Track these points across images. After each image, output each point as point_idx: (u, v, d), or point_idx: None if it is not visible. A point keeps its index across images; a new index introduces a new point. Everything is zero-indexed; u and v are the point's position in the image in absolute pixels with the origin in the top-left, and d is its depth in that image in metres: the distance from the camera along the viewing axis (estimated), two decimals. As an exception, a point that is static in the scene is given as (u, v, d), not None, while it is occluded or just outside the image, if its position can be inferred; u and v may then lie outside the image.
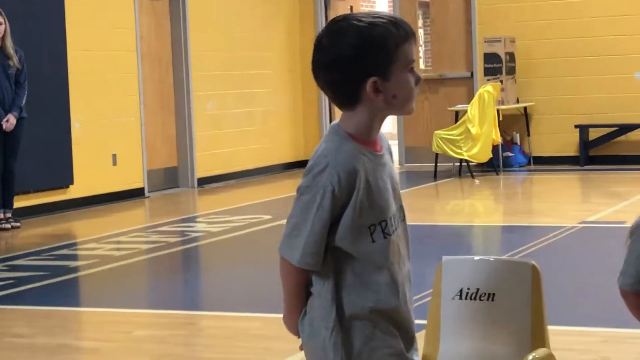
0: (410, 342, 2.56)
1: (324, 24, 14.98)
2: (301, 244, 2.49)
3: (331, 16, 15.25)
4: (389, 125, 18.17)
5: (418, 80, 2.54)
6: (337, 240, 2.45)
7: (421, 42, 15.42)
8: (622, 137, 13.70)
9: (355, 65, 2.49)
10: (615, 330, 5.34)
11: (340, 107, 2.54)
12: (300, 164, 15.16)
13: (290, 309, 2.62)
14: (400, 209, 2.59)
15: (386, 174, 2.55)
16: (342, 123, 2.54)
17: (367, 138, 2.54)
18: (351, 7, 16.01)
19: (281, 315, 5.02)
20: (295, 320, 2.59)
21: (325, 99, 15.21)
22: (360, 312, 2.47)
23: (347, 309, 2.47)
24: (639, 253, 2.23)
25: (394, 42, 2.50)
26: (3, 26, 9.84)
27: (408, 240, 2.60)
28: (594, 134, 13.79)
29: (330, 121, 15.20)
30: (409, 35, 2.52)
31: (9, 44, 9.88)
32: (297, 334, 2.59)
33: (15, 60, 9.94)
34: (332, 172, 2.45)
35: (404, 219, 2.60)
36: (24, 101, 10.03)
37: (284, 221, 8.41)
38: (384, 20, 2.50)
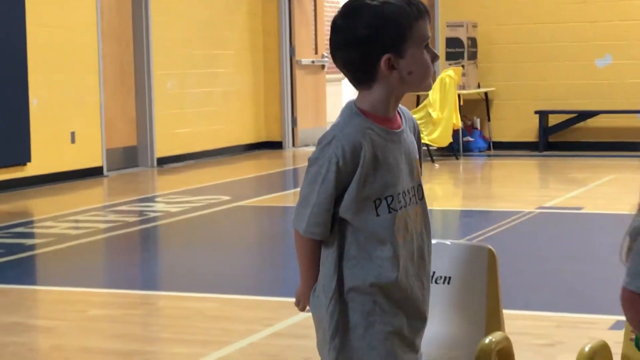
0: (416, 318, 2.60)
1: (286, 5, 15.11)
2: (307, 214, 2.52)
3: (296, 5, 15.27)
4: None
5: (435, 57, 2.61)
6: (342, 211, 2.49)
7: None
8: (581, 124, 13.83)
9: (370, 44, 2.54)
10: (569, 315, 5.40)
11: (358, 86, 2.58)
12: (261, 146, 15.19)
13: (303, 280, 2.64)
14: (419, 187, 2.62)
15: (401, 151, 2.58)
16: (357, 101, 2.58)
17: (383, 114, 2.58)
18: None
19: (238, 297, 4.95)
20: (307, 292, 2.61)
21: (287, 81, 15.23)
22: (361, 285, 2.50)
23: (349, 281, 2.51)
24: None
25: (407, 19, 2.54)
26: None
27: (425, 218, 2.63)
28: (553, 120, 13.91)
29: (292, 105, 15.27)
30: (422, 12, 2.56)
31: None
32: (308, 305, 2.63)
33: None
34: (337, 145, 2.49)
35: (422, 198, 2.62)
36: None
37: (243, 202, 8.47)
38: (402, 5, 2.54)
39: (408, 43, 2.54)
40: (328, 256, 2.53)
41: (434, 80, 13.13)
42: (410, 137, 2.65)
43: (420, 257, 2.59)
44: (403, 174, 2.57)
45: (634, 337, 2.50)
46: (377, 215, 2.51)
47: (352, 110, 2.57)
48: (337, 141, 2.50)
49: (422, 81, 2.60)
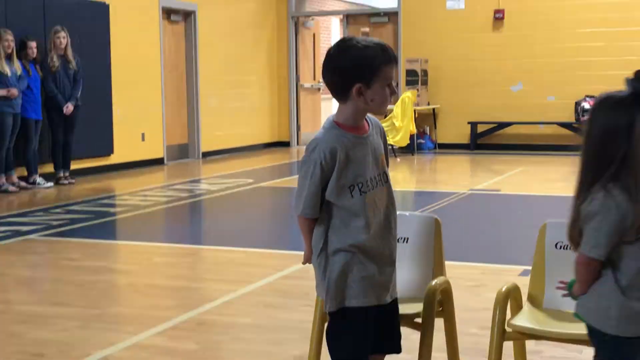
0: (386, 265, 2.65)
1: (294, 46, 15.04)
2: (302, 201, 2.61)
3: (299, 41, 15.21)
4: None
5: (393, 92, 2.64)
6: (327, 195, 2.58)
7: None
8: (500, 131, 13.79)
9: (348, 73, 2.59)
10: (491, 265, 5.42)
11: (336, 100, 2.63)
12: (275, 144, 15.15)
13: (306, 246, 2.68)
14: (383, 174, 2.66)
15: (367, 149, 2.63)
16: (335, 115, 2.65)
17: (352, 124, 2.62)
18: (314, 34, 15.93)
19: (260, 250, 4.87)
20: (309, 253, 2.67)
21: (293, 99, 15.19)
22: (342, 246, 2.58)
23: (333, 244, 2.60)
24: (608, 229, 2.20)
25: (379, 63, 2.58)
26: (66, 40, 9.77)
27: (390, 196, 2.68)
28: (480, 128, 13.87)
29: (297, 116, 15.25)
30: (391, 60, 2.62)
31: (69, 52, 9.80)
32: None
33: (73, 64, 9.88)
34: (320, 150, 2.57)
35: (387, 181, 2.67)
36: (79, 93, 9.96)
37: (262, 184, 8.40)
38: (375, 45, 2.60)
39: (375, 79, 2.58)
40: (319, 228, 2.63)
41: (397, 100, 13.13)
42: (376, 139, 2.69)
43: (387, 223, 2.65)
44: (370, 165, 2.62)
45: (566, 292, 2.44)
46: (352, 197, 2.58)
47: (330, 124, 2.64)
48: (320, 148, 2.58)
49: (379, 108, 2.67)
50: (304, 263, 2.71)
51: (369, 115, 2.69)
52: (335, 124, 2.64)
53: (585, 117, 11.36)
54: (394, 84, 2.66)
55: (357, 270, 2.60)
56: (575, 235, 2.32)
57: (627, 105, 2.23)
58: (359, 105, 2.60)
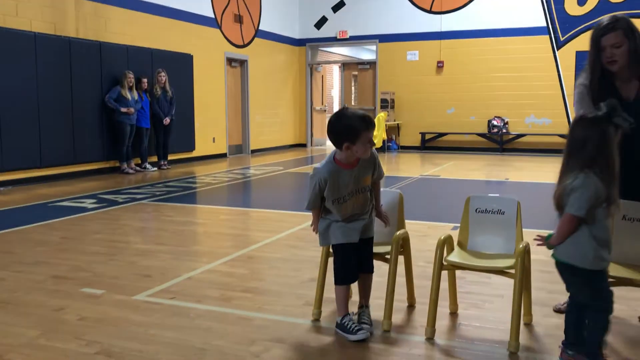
0: (355, 222, 2.78)
1: (310, 83, 14.94)
2: (308, 202, 2.78)
3: (312, 79, 15.14)
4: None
5: (372, 146, 2.68)
6: (325, 202, 2.76)
7: (353, 92, 15.31)
8: (440, 138, 13.74)
9: (340, 135, 2.65)
10: (433, 223, 5.39)
11: (336, 148, 2.70)
12: (297, 145, 15.12)
13: (314, 220, 2.84)
14: (362, 188, 2.75)
15: (350, 177, 2.71)
16: (336, 153, 2.71)
17: (345, 162, 2.70)
18: (322, 75, 15.87)
19: (287, 212, 4.75)
20: (316, 224, 2.84)
21: (309, 116, 15.14)
22: (331, 221, 2.78)
23: (327, 219, 2.79)
24: (588, 197, 2.21)
25: (360, 129, 2.62)
26: (165, 77, 9.75)
27: (365, 198, 2.79)
28: (428, 136, 13.81)
29: (311, 130, 15.19)
30: (370, 126, 2.64)
31: (167, 85, 9.79)
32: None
33: (170, 93, 9.85)
34: (319, 176, 2.71)
35: (364, 191, 2.77)
36: (173, 111, 9.95)
37: (288, 170, 8.31)
38: (359, 117, 2.63)
39: (357, 140, 2.63)
40: (322, 214, 2.81)
41: (373, 118, 13.03)
42: (363, 169, 2.74)
43: (360, 209, 2.79)
44: (349, 186, 2.72)
45: (541, 243, 2.40)
46: (333, 204, 2.74)
47: (330, 159, 2.72)
48: (319, 174, 2.71)
49: (362, 156, 2.70)
50: (313, 229, 2.88)
51: None
52: (334, 159, 2.72)
53: (496, 131, 11.18)
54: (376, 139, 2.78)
55: (335, 227, 2.77)
56: (561, 203, 2.30)
57: (601, 121, 2.26)
58: (348, 154, 2.67)
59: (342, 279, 2.76)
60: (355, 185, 2.75)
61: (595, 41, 2.65)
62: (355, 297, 3.09)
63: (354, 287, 3.04)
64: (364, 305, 2.86)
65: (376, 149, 13.74)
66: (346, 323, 2.72)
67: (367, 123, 2.63)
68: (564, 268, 2.36)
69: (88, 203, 6.50)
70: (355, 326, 2.70)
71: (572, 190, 2.25)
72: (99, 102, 8.99)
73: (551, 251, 2.39)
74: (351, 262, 2.75)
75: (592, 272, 2.30)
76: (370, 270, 2.86)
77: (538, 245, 2.42)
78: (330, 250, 2.94)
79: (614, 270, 2.62)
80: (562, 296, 3.23)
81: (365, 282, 2.87)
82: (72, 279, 3.65)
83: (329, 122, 2.68)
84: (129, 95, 9.10)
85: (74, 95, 8.61)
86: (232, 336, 2.73)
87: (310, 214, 2.86)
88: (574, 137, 2.29)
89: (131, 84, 9.16)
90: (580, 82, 2.81)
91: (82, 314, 3.04)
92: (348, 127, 2.62)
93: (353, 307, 2.96)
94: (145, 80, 9.56)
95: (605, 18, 2.68)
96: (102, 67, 9.04)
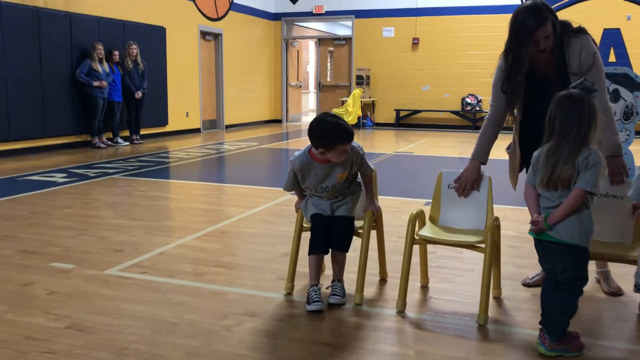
0: (325, 200, 2.87)
1: (285, 58, 14.80)
2: (286, 185, 2.91)
3: (288, 55, 14.99)
4: (312, 104, 18.06)
5: (346, 154, 2.72)
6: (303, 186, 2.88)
7: (329, 68, 15.22)
8: (414, 115, 13.78)
9: (318, 141, 2.71)
10: (405, 198, 5.43)
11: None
12: (271, 121, 15.02)
13: (298, 199, 2.98)
14: (330, 187, 2.81)
15: (322, 171, 2.78)
16: (313, 148, 2.77)
17: (318, 157, 2.78)
18: (298, 51, 15.72)
19: (261, 187, 4.78)
20: (299, 204, 2.96)
21: (284, 92, 15.03)
22: (308, 199, 2.89)
23: (306, 195, 2.91)
24: (599, 172, 2.20)
25: (337, 143, 2.68)
26: (136, 50, 9.56)
27: (340, 189, 2.86)
28: (402, 114, 13.84)
29: (287, 105, 15.08)
30: (347, 141, 2.69)
31: (139, 58, 9.61)
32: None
33: (141, 66, 9.67)
34: (292, 164, 2.82)
35: (334, 187, 2.82)
36: (145, 85, 9.77)
37: (263, 146, 8.29)
38: (340, 130, 2.67)
39: (333, 149, 2.69)
40: (304, 196, 2.93)
41: (349, 94, 13.00)
42: (337, 166, 2.77)
43: (334, 196, 2.87)
44: (322, 180, 2.80)
45: (536, 227, 2.32)
46: (307, 190, 2.89)
47: (306, 151, 2.80)
48: (292, 163, 2.81)
49: (336, 161, 2.75)
50: (296, 209, 2.98)
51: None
52: (309, 152, 2.79)
53: (470, 108, 11.19)
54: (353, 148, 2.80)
55: (310, 202, 2.87)
56: (566, 181, 2.21)
57: (584, 97, 2.24)
58: (322, 156, 2.74)
59: (309, 249, 2.82)
60: (328, 180, 2.81)
61: (528, 34, 2.59)
62: (329, 271, 3.10)
63: (329, 261, 3.05)
64: (336, 279, 2.87)
65: (351, 125, 13.59)
66: (309, 292, 2.77)
67: (346, 138, 2.67)
68: (557, 247, 2.28)
69: (58, 177, 6.38)
70: (314, 297, 2.74)
71: (587, 167, 2.19)
72: (69, 74, 8.77)
73: (529, 228, 2.37)
74: (319, 234, 2.80)
75: (587, 250, 2.29)
76: (338, 246, 2.84)
77: (534, 229, 2.33)
78: (304, 224, 2.94)
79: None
80: (530, 270, 3.29)
81: (336, 257, 2.88)
82: (42, 254, 3.59)
83: (310, 124, 2.73)
84: (99, 68, 8.90)
85: (43, 67, 8.38)
86: (204, 310, 2.72)
87: (286, 192, 2.95)
88: (565, 117, 2.23)
89: (101, 56, 8.95)
90: (499, 65, 2.84)
91: (52, 288, 2.99)
92: (325, 137, 2.67)
93: (327, 281, 2.97)
94: (116, 52, 9.35)
95: (528, 6, 2.62)
96: (72, 38, 8.80)
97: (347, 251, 2.85)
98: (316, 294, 2.75)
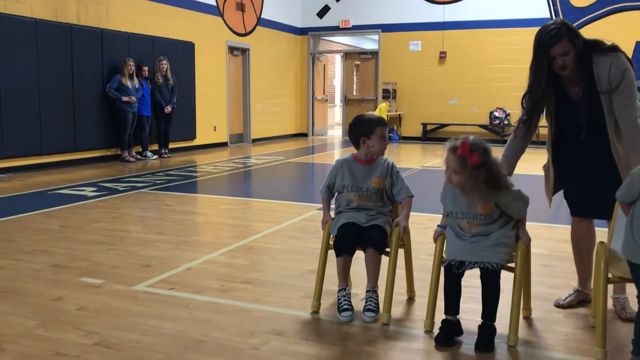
0: (355, 213, 2.92)
1: (312, 72, 14.88)
2: (322, 188, 3.02)
3: (314, 69, 15.07)
4: (338, 117, 18.08)
5: (386, 144, 2.93)
6: (335, 191, 3.02)
7: (355, 82, 15.26)
8: (442, 129, 13.70)
9: (360, 129, 2.90)
10: (434, 215, 5.30)
11: (355, 147, 2.96)
12: (298, 135, 15.09)
13: (324, 214, 3.02)
14: (364, 189, 2.90)
15: (362, 170, 2.92)
16: (356, 152, 2.98)
17: (361, 158, 2.94)
18: (324, 65, 15.79)
19: (288, 202, 4.72)
20: (325, 219, 2.99)
21: (310, 106, 15.09)
22: (341, 214, 2.93)
23: (337, 211, 2.96)
24: None
25: (374, 125, 2.87)
26: (166, 65, 9.72)
27: (368, 197, 2.92)
28: (429, 127, 13.77)
29: (313, 119, 15.14)
30: (383, 124, 2.91)
31: (169, 73, 9.77)
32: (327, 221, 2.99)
33: (171, 81, 9.83)
34: (337, 163, 2.99)
35: (363, 190, 2.91)
36: (175, 99, 9.92)
37: (290, 160, 8.27)
38: (375, 119, 2.91)
39: (372, 135, 2.87)
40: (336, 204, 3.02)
41: (375, 108, 13.00)
42: (376, 169, 2.93)
43: (366, 204, 2.93)
44: (355, 179, 2.92)
45: None
46: (341, 192, 2.97)
47: (349, 156, 2.99)
48: (336, 163, 2.99)
49: (378, 153, 2.94)
50: (322, 225, 3.01)
51: (384, 157, 2.98)
52: (352, 156, 2.97)
53: (498, 122, 11.02)
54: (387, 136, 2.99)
55: (344, 216, 2.91)
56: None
57: None
58: (365, 149, 2.90)
59: (335, 250, 2.88)
60: (365, 182, 2.91)
61: (543, 51, 2.69)
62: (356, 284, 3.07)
63: (356, 276, 3.02)
64: (370, 289, 2.84)
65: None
66: (338, 297, 2.84)
67: (382, 121, 2.93)
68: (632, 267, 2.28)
69: (88, 191, 6.49)
70: (343, 305, 2.79)
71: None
72: (100, 89, 8.95)
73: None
74: (346, 235, 2.86)
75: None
76: (372, 244, 2.81)
77: None
78: (330, 242, 2.92)
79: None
80: (563, 291, 3.22)
81: (369, 261, 2.83)
82: (71, 268, 3.63)
83: (350, 124, 2.95)
84: (129, 84, 9.06)
85: (75, 83, 8.57)
86: (231, 328, 2.71)
87: (310, 204, 2.94)
88: None
89: (131, 72, 9.11)
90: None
91: (81, 303, 3.02)
92: (364, 123, 2.89)
93: (361, 289, 2.96)
94: (146, 68, 9.51)
95: (548, 25, 2.71)
96: (103, 54, 8.99)
97: (381, 252, 2.83)
98: (346, 301, 2.78)
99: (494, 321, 2.54)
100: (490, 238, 2.56)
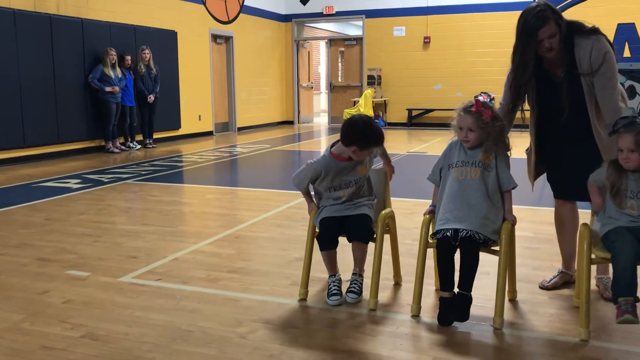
0: (339, 204, 2.89)
1: (296, 59, 14.79)
2: (296, 178, 2.94)
3: (299, 56, 14.99)
4: (324, 104, 18.05)
5: (370, 153, 2.88)
6: (315, 186, 2.94)
7: (340, 68, 15.21)
8: (427, 115, 13.72)
9: (349, 139, 2.78)
10: (419, 200, 5.36)
11: (342, 142, 2.82)
12: (284, 122, 15.03)
13: (308, 203, 3.02)
14: (353, 182, 2.87)
15: (343, 168, 2.85)
16: (334, 147, 2.86)
17: (342, 156, 2.86)
18: (309, 52, 15.71)
19: (274, 190, 4.67)
20: (310, 208, 2.98)
21: (295, 93, 15.03)
22: (325, 204, 2.89)
23: (321, 205, 2.91)
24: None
25: (372, 147, 2.84)
26: (149, 54, 9.62)
27: (360, 187, 2.91)
28: (414, 113, 13.79)
29: (298, 107, 15.08)
30: (369, 146, 2.81)
31: (151, 62, 9.67)
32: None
33: (154, 70, 9.73)
34: (316, 167, 2.88)
35: (352, 184, 2.87)
36: (157, 89, 9.83)
37: (275, 148, 8.25)
38: (378, 138, 2.82)
39: (366, 149, 2.82)
40: (317, 195, 2.96)
41: (361, 94, 12.96)
42: (358, 164, 2.87)
43: (354, 196, 2.90)
44: (342, 177, 2.86)
45: None
46: (327, 191, 2.92)
47: (327, 152, 2.88)
48: (314, 165, 2.88)
49: (357, 159, 2.85)
50: (309, 212, 2.98)
51: None
52: (333, 155, 2.86)
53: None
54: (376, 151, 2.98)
55: (325, 210, 2.89)
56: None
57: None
58: (349, 152, 2.81)
59: (319, 245, 2.90)
60: (351, 174, 2.87)
61: (530, 34, 2.65)
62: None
63: (343, 262, 3.04)
64: (357, 272, 2.89)
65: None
66: (328, 283, 2.89)
67: (381, 142, 2.86)
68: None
69: (73, 183, 6.43)
70: (332, 289, 2.83)
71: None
72: (82, 80, 8.84)
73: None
74: (328, 230, 2.86)
75: None
76: (357, 237, 2.84)
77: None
78: (316, 229, 2.92)
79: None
80: (548, 272, 3.25)
81: (356, 250, 2.89)
82: (57, 261, 3.61)
83: (354, 124, 2.78)
84: (112, 73, 8.96)
85: (56, 74, 8.45)
86: (218, 317, 2.71)
87: (297, 192, 2.95)
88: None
89: (113, 61, 9.01)
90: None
91: (67, 296, 3.00)
92: (355, 138, 2.76)
93: (348, 273, 2.97)
94: (128, 57, 9.40)
95: (533, 8, 2.67)
96: (84, 44, 8.87)
97: (367, 242, 2.85)
98: (335, 286, 2.83)
99: (470, 291, 2.56)
100: (482, 207, 2.59)
